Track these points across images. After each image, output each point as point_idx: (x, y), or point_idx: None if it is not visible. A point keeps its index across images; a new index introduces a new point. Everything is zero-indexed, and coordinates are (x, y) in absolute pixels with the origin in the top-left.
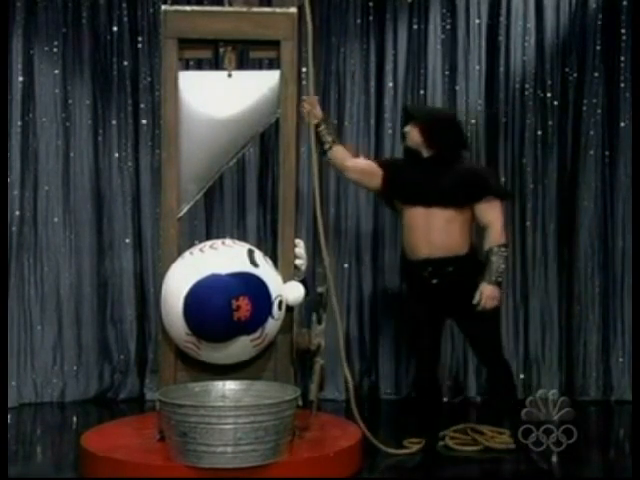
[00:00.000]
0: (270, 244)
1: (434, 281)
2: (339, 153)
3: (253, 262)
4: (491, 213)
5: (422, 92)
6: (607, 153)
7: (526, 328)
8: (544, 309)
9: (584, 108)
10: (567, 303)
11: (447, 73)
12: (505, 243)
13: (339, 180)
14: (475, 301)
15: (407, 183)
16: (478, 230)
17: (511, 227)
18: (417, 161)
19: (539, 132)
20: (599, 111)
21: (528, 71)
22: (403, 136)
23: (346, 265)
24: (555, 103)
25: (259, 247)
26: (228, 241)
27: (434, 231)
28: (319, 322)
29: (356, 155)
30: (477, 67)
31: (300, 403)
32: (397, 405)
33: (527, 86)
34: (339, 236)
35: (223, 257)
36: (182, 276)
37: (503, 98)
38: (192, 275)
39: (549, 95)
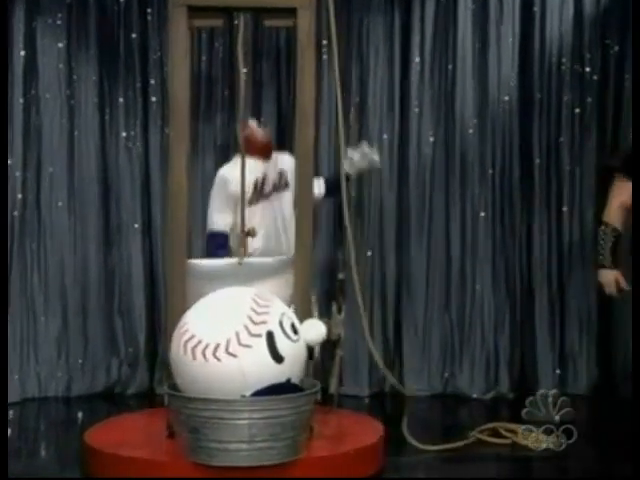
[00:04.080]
0: None
1: None
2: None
3: (275, 355)
4: None
5: (450, 67)
6: None
7: (562, 322)
8: (581, 302)
9: (626, 84)
10: (608, 295)
11: (478, 46)
12: None
13: None
14: None
15: None
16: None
17: (546, 213)
18: None
19: (577, 110)
20: None
21: (565, 43)
22: None
23: (369, 252)
24: (594, 78)
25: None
26: (244, 332)
27: None
28: (339, 311)
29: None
30: (510, 39)
31: (319, 397)
32: (424, 402)
33: (564, 60)
34: (361, 221)
35: (245, 369)
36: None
37: (538, 73)
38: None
39: (588, 70)
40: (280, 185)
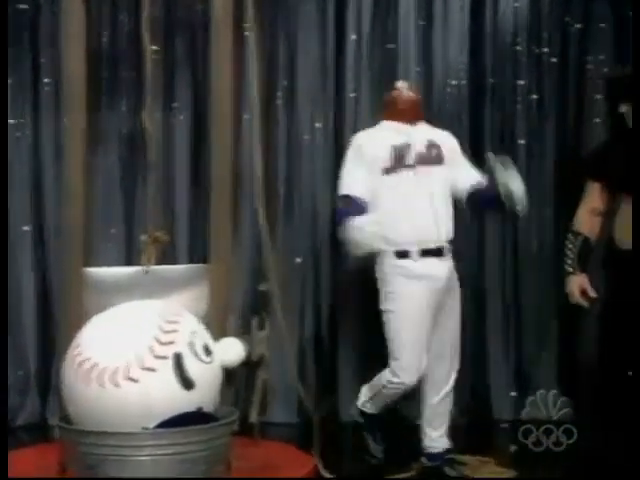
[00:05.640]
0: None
1: None
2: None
3: (184, 380)
4: None
5: (392, 46)
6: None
7: (518, 335)
8: (541, 313)
9: (589, 66)
10: (568, 303)
11: (422, 23)
12: None
13: (291, 155)
14: None
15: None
16: None
17: (500, 212)
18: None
19: (534, 96)
20: (606, 69)
21: (521, 21)
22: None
23: (299, 259)
24: (553, 60)
25: (191, 238)
26: (148, 354)
27: None
28: (261, 327)
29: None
30: (459, 16)
31: (237, 428)
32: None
33: (519, 39)
34: (290, 223)
35: (148, 397)
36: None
37: (490, 54)
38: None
39: (546, 50)
40: (428, 158)
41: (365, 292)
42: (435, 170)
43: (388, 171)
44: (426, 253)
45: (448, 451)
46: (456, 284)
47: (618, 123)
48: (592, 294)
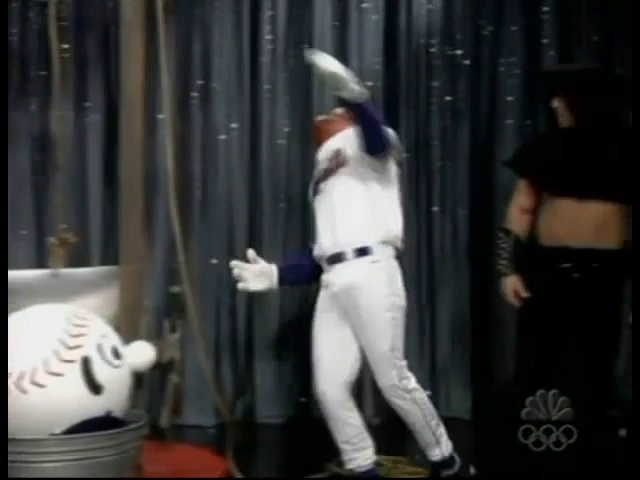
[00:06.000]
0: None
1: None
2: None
3: (92, 384)
4: None
5: (307, 47)
6: (529, 122)
7: (433, 334)
8: (454, 312)
9: (501, 69)
10: (482, 303)
11: (337, 24)
12: None
13: (207, 155)
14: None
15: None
16: None
17: (415, 213)
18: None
19: (447, 97)
20: (518, 72)
21: (434, 23)
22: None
23: (215, 260)
24: (466, 62)
25: (104, 240)
26: (54, 358)
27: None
28: (173, 330)
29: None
30: (374, 17)
31: (146, 432)
32: (280, 430)
33: (433, 41)
34: (206, 224)
35: (56, 401)
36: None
37: (404, 56)
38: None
39: (459, 52)
40: (328, 170)
41: (282, 293)
42: (336, 177)
43: (312, 203)
44: (328, 261)
45: (452, 458)
46: (367, 291)
47: (549, 119)
48: (524, 294)
